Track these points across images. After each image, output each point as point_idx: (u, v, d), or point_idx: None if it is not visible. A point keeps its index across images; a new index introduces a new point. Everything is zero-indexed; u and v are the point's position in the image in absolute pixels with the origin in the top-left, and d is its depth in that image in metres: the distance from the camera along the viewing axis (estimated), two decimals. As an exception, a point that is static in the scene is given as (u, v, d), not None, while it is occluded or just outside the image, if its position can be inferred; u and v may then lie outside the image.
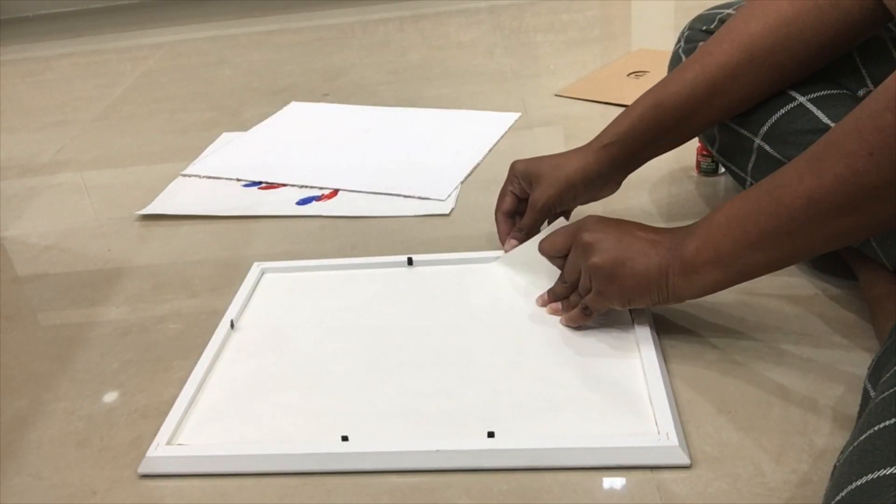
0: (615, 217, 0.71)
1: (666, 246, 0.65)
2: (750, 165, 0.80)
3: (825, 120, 0.72)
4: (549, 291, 0.76)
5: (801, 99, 0.75)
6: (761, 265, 0.61)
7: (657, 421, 0.61)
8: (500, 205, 0.85)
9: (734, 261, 0.61)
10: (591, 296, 0.69)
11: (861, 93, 0.74)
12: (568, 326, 0.73)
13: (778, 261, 0.60)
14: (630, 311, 0.73)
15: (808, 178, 0.55)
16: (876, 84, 0.74)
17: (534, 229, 0.82)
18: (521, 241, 0.82)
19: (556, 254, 0.74)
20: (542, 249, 0.75)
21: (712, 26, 0.86)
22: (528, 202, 0.82)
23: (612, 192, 0.83)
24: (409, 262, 0.86)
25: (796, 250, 0.59)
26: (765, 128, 0.76)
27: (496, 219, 0.85)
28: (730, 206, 0.61)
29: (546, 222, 0.83)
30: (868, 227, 0.56)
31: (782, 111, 0.75)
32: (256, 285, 0.85)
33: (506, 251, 0.83)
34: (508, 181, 0.84)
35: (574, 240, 0.71)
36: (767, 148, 0.77)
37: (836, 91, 0.75)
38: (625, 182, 0.83)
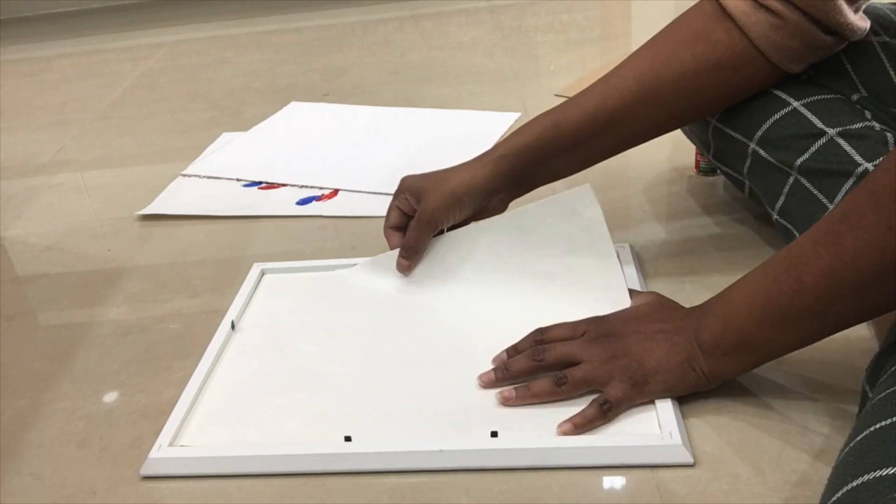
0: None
1: (687, 331, 0.62)
2: (745, 169, 0.80)
3: (819, 125, 0.73)
4: (501, 369, 0.67)
5: (795, 104, 0.75)
6: (793, 343, 0.59)
7: (659, 420, 0.61)
8: (387, 220, 0.83)
9: (763, 342, 0.59)
10: (616, 387, 0.62)
11: (855, 98, 0.75)
12: (572, 432, 0.61)
13: (810, 337, 0.58)
14: None
15: (827, 256, 0.53)
16: (867, 89, 0.75)
17: (420, 244, 0.80)
18: (411, 259, 0.80)
19: (565, 337, 0.67)
20: (552, 334, 0.68)
21: None
22: (415, 217, 0.79)
23: (499, 211, 0.80)
24: None
25: (825, 326, 0.57)
26: (759, 132, 0.77)
27: (385, 234, 0.83)
28: (747, 286, 0.60)
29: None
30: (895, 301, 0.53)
31: (776, 116, 0.75)
32: (256, 286, 0.85)
33: (400, 270, 0.81)
34: (395, 196, 0.82)
35: (587, 326, 0.67)
36: (762, 153, 0.77)
37: (830, 95, 0.75)
38: (624, 182, 0.83)
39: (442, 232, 0.81)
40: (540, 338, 0.68)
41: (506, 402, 0.65)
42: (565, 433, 0.61)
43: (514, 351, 0.69)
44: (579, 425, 0.61)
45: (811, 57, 0.74)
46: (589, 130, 0.75)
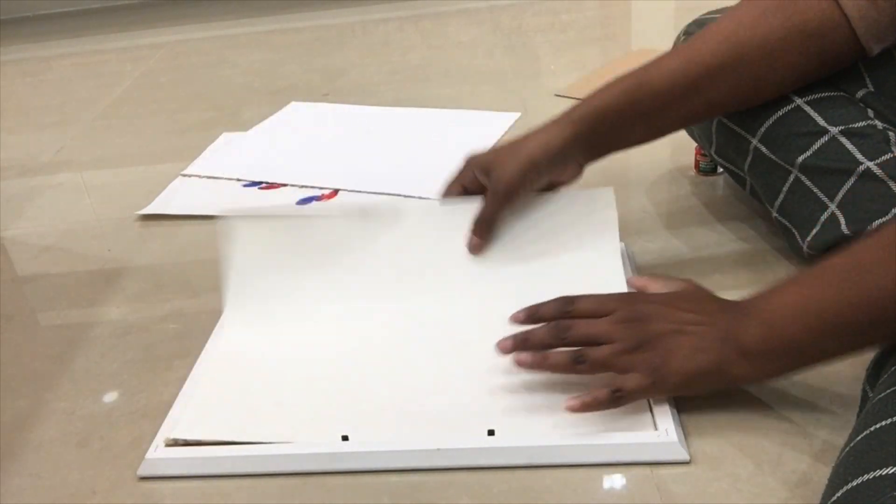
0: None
1: (720, 329, 0.59)
2: (746, 165, 0.80)
3: (822, 123, 0.73)
4: (520, 340, 0.65)
5: (798, 101, 0.75)
6: (842, 352, 0.57)
7: (655, 417, 0.61)
8: (446, 195, 0.78)
9: (809, 350, 0.56)
10: (634, 378, 0.60)
11: (860, 94, 0.75)
12: (580, 409, 0.61)
13: (862, 348, 0.56)
14: None
15: (894, 265, 0.51)
16: (876, 86, 0.74)
17: (497, 218, 0.76)
18: (485, 236, 0.76)
19: (592, 313, 0.64)
20: (579, 307, 0.65)
21: None
22: (489, 190, 0.75)
23: (574, 177, 0.77)
24: None
25: (881, 337, 0.55)
26: (762, 129, 0.77)
27: None
28: (799, 291, 0.57)
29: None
30: None
31: (779, 113, 0.75)
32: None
33: (471, 250, 0.77)
34: (458, 171, 0.78)
35: (617, 304, 0.64)
36: (763, 149, 0.77)
37: (833, 93, 0.75)
38: (623, 182, 0.83)
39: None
40: (566, 309, 0.65)
41: (520, 364, 0.63)
42: (572, 409, 0.60)
43: (535, 312, 0.66)
44: (588, 406, 0.60)
45: (892, 37, 0.71)
46: (671, 94, 0.73)
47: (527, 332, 0.65)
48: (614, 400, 0.60)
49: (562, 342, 0.63)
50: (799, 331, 0.56)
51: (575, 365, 0.61)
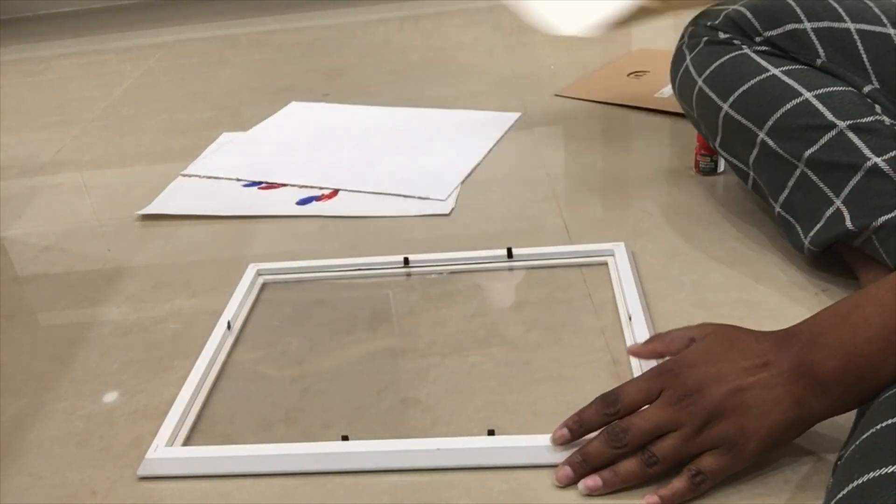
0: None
1: (783, 368, 0.53)
2: (751, 159, 0.80)
3: (829, 117, 0.73)
4: (580, 464, 0.57)
5: (807, 95, 0.75)
6: None
7: None
8: None
9: (890, 371, 0.51)
10: (712, 457, 0.54)
11: (867, 90, 0.75)
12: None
13: None
14: (628, 316, 0.73)
15: None
16: (881, 81, 0.75)
17: None
18: None
19: (640, 403, 0.57)
20: (625, 402, 0.57)
21: (717, 22, 0.86)
22: None
23: None
24: (406, 262, 0.86)
25: None
26: (770, 122, 0.77)
27: None
28: (876, 311, 0.52)
29: None
30: None
31: (788, 106, 0.76)
32: (256, 296, 0.84)
33: None
34: None
35: (662, 383, 0.56)
36: (770, 143, 0.77)
37: (841, 88, 0.75)
38: (623, 182, 0.83)
39: None
40: (612, 411, 0.57)
41: (594, 492, 0.56)
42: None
43: (578, 424, 0.58)
44: (666, 499, 0.54)
45: None
46: None
47: (584, 452, 0.57)
48: (695, 486, 0.54)
49: (624, 449, 0.56)
50: (880, 355, 0.51)
51: (649, 469, 0.55)
